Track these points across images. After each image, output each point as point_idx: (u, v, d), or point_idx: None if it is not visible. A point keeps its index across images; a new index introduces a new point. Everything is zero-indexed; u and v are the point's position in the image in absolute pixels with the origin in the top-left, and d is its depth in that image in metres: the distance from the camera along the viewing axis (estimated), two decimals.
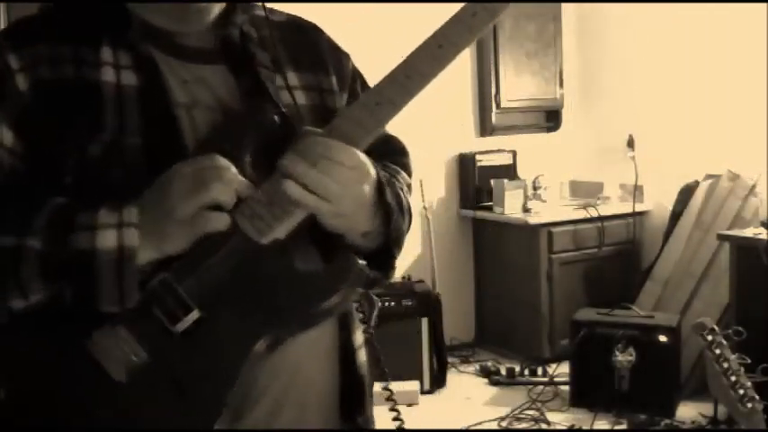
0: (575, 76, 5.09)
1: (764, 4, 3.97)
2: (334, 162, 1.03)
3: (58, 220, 1.01)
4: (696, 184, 4.31)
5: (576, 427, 3.69)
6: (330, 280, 1.08)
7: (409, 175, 1.29)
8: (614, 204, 4.78)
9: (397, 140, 1.33)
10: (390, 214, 1.12)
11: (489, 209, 4.67)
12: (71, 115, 1.06)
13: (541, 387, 4.11)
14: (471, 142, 4.90)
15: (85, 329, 1.02)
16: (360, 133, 1.07)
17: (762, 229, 3.56)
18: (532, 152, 4.94)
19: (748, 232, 3.68)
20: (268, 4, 1.20)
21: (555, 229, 4.51)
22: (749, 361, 1.82)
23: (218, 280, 1.04)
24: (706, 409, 3.66)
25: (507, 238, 4.64)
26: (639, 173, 4.67)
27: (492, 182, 4.65)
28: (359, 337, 1.23)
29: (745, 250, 3.55)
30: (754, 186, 4.09)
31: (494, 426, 3.77)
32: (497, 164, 4.80)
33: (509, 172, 4.79)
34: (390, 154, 1.29)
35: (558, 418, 3.81)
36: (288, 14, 1.28)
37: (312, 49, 1.25)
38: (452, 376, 4.36)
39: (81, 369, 1.03)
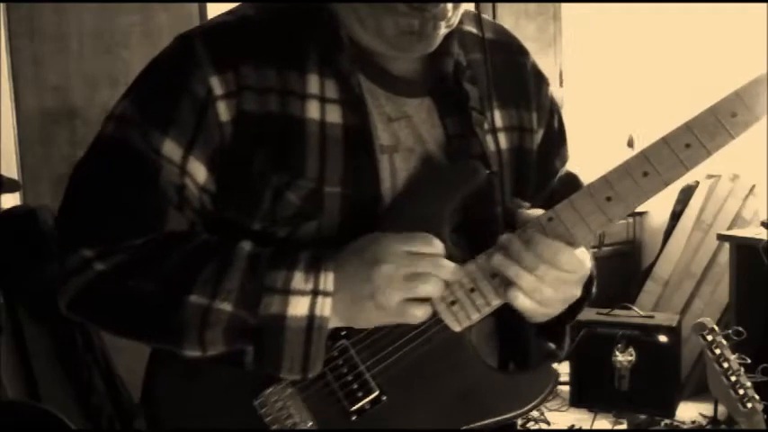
0: (575, 76, 5.09)
1: (764, 5, 3.96)
2: (559, 270, 0.95)
3: (250, 281, 0.94)
4: (696, 184, 4.31)
5: (576, 427, 3.69)
6: (528, 386, 1.01)
7: None
8: None
9: (577, 181, 1.22)
10: (583, 302, 1.08)
11: None
12: (272, 156, 0.96)
13: None
14: None
15: (256, 383, 0.97)
16: (582, 231, 0.97)
17: (762, 229, 3.55)
18: None
19: (748, 232, 3.68)
20: None
21: None
22: (749, 361, 1.81)
23: (404, 363, 0.98)
24: (706, 409, 3.66)
25: None
26: None
27: None
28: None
29: (745, 250, 3.54)
30: (754, 186, 4.09)
31: None
32: None
33: None
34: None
35: (558, 418, 3.80)
36: (494, 25, 1.16)
37: (517, 78, 1.14)
38: None
39: (244, 425, 0.98)
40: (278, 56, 0.98)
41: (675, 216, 4.36)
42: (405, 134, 1.02)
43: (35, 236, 2.85)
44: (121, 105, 1.00)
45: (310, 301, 0.93)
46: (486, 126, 1.06)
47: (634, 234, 4.74)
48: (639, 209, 5.03)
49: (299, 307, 0.93)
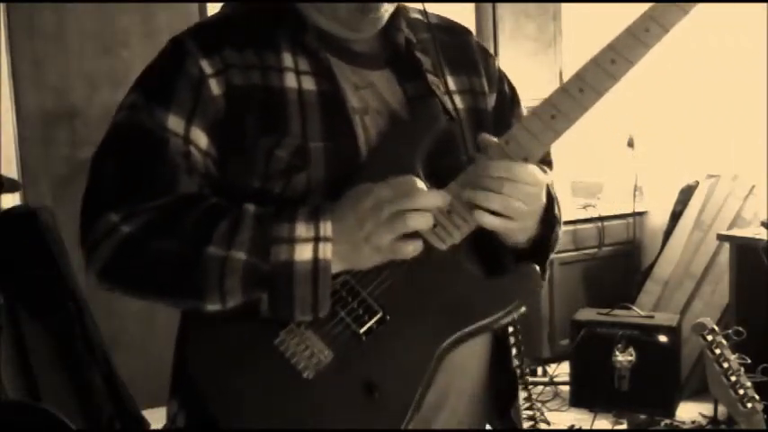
0: None
1: (764, 5, 3.96)
2: (519, 183, 1.07)
3: (259, 233, 1.05)
4: (696, 184, 4.31)
5: (576, 427, 3.69)
6: (515, 286, 1.13)
7: None
8: (614, 204, 4.78)
9: (549, 153, 1.34)
10: (555, 223, 1.20)
11: None
12: (260, 121, 1.11)
13: (541, 387, 4.11)
14: None
15: (273, 326, 1.08)
16: (535, 146, 1.09)
17: (762, 230, 3.56)
18: None
19: (748, 232, 3.68)
20: None
21: None
22: (749, 361, 1.81)
23: (400, 284, 1.10)
24: (706, 409, 3.67)
25: None
26: (639, 173, 4.67)
27: None
28: (511, 336, 1.28)
29: (745, 250, 3.55)
30: (754, 186, 4.09)
31: None
32: None
33: None
34: (545, 164, 1.31)
35: (558, 418, 3.81)
36: (439, 16, 1.31)
37: (464, 51, 1.30)
38: None
39: (269, 365, 1.08)
40: (255, 41, 1.14)
41: (675, 216, 4.36)
42: (371, 99, 1.18)
43: (35, 236, 2.85)
44: (129, 98, 1.15)
45: (313, 246, 1.04)
46: (441, 88, 1.21)
47: (634, 234, 4.74)
48: (639, 209, 5.03)
49: (304, 253, 1.04)
